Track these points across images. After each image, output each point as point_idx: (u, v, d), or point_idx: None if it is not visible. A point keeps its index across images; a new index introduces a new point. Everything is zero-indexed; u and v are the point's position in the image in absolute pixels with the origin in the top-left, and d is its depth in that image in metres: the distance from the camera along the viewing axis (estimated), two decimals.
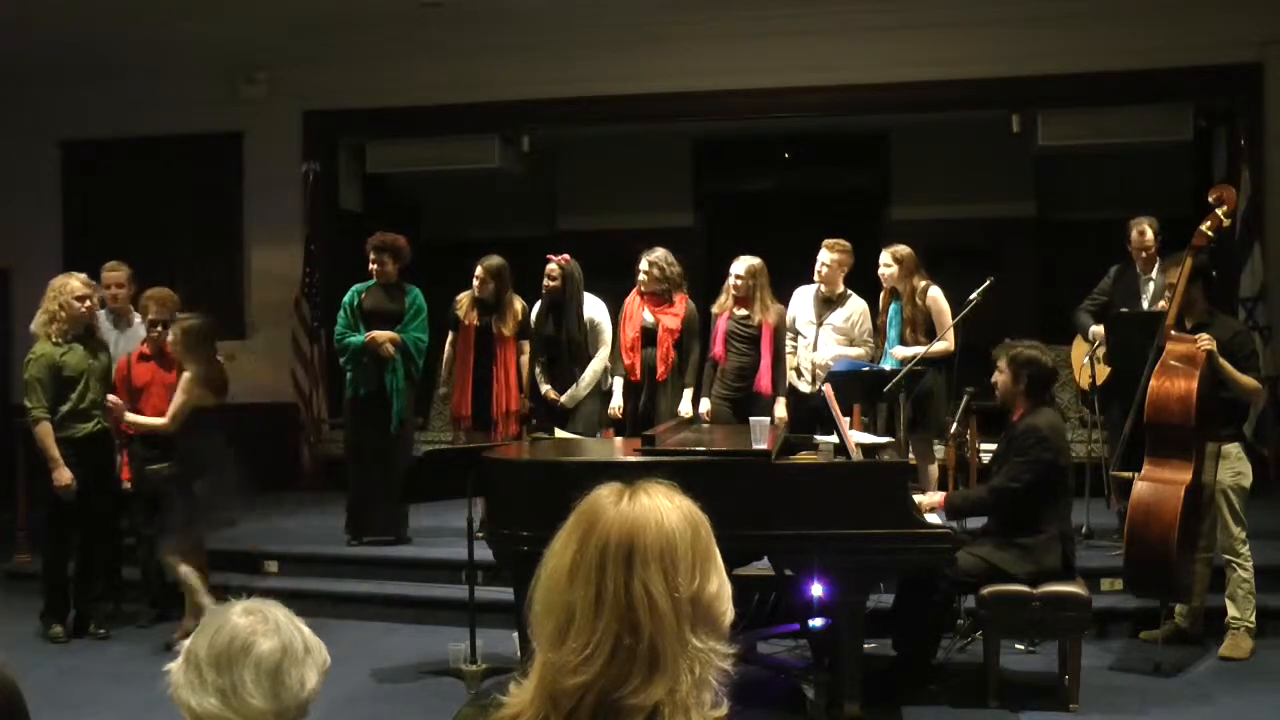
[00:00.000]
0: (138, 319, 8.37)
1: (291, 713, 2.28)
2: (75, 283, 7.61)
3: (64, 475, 7.44)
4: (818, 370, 8.27)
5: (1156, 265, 8.00)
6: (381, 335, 8.49)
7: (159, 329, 7.86)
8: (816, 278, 8.40)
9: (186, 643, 2.31)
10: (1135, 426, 6.63)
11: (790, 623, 6.55)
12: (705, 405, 8.31)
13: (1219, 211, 6.78)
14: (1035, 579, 6.03)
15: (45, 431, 7.48)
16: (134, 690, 6.45)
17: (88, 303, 7.63)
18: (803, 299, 8.52)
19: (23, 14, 10.59)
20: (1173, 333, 6.56)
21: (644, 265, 8.36)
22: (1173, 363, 6.41)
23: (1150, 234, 8.02)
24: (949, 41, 10.75)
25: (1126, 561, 6.51)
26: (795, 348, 8.49)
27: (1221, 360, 6.46)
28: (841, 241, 8.42)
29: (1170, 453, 6.32)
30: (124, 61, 11.84)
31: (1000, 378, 6.33)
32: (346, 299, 8.67)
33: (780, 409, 8.26)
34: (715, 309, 8.43)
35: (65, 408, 7.54)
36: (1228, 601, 6.74)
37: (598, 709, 1.72)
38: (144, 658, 7.04)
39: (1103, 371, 8.05)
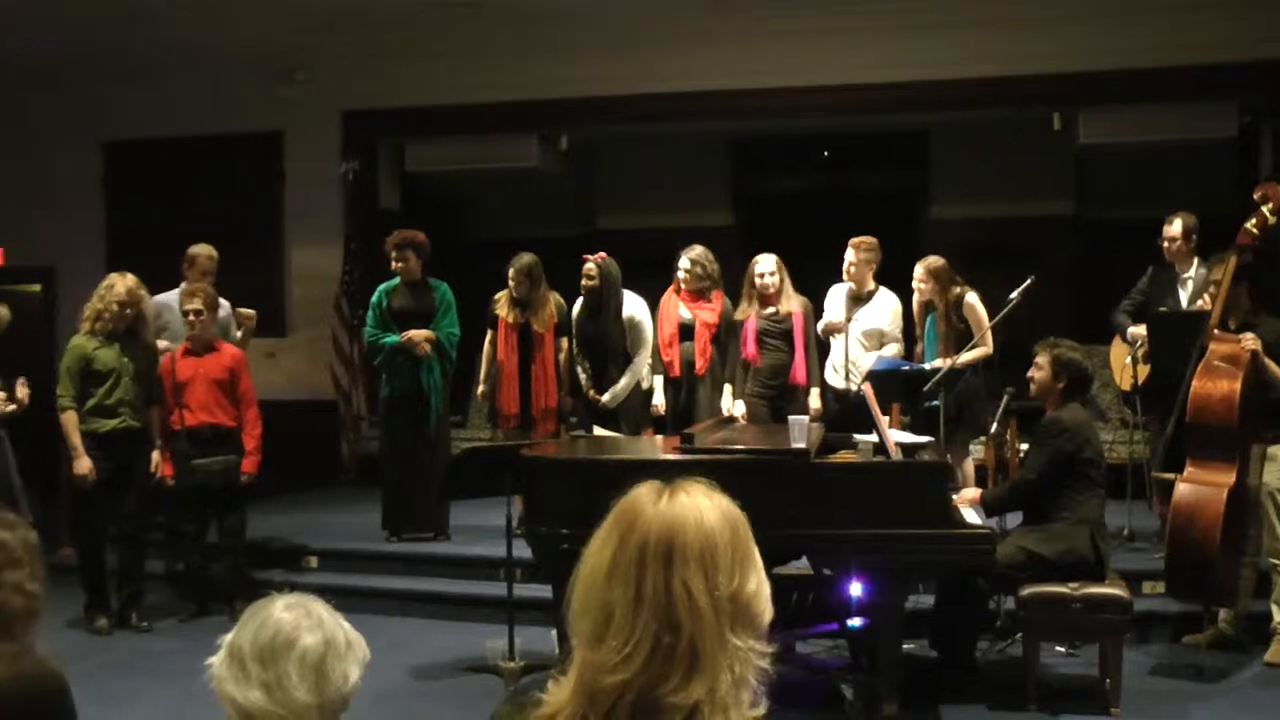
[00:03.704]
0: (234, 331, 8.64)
1: (334, 706, 2.30)
2: (122, 287, 7.71)
3: (84, 464, 7.58)
4: (852, 368, 8.26)
5: (1195, 263, 7.92)
6: (418, 335, 8.52)
7: (197, 321, 7.94)
8: (845, 276, 8.40)
9: (229, 637, 2.33)
10: (1177, 427, 6.57)
11: (828, 622, 6.54)
12: (741, 406, 8.31)
13: (1265, 209, 6.69)
14: (1065, 559, 5.97)
15: (70, 420, 7.62)
16: (175, 683, 6.49)
17: (129, 309, 7.72)
18: (835, 297, 8.50)
19: (65, 17, 10.69)
20: (1216, 332, 6.50)
21: (684, 264, 8.37)
22: (1216, 363, 6.35)
23: (1178, 227, 7.90)
24: (989, 39, 10.70)
25: (1168, 564, 6.44)
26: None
27: (1267, 360, 6.40)
28: (866, 239, 8.39)
29: (1213, 454, 6.26)
30: (165, 63, 11.93)
31: (1039, 374, 6.30)
32: (374, 300, 8.71)
33: (815, 399, 8.27)
34: (739, 315, 8.43)
35: (91, 402, 7.66)
36: (1273, 606, 6.65)
37: (636, 707, 1.72)
38: (185, 651, 7.09)
39: (1144, 372, 7.98)
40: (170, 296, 8.52)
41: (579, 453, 6.71)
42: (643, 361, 8.40)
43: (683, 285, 8.42)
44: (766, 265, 8.32)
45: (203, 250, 8.67)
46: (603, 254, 8.41)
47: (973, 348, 7.81)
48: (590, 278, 8.30)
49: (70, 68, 12.09)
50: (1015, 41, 10.67)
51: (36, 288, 12.78)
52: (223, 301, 8.55)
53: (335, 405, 11.58)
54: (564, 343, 8.53)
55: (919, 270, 8.13)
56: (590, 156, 13.80)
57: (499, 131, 11.93)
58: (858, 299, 8.39)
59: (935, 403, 7.41)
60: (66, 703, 2.52)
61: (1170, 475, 6.76)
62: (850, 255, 8.33)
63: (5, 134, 12.68)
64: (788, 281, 8.37)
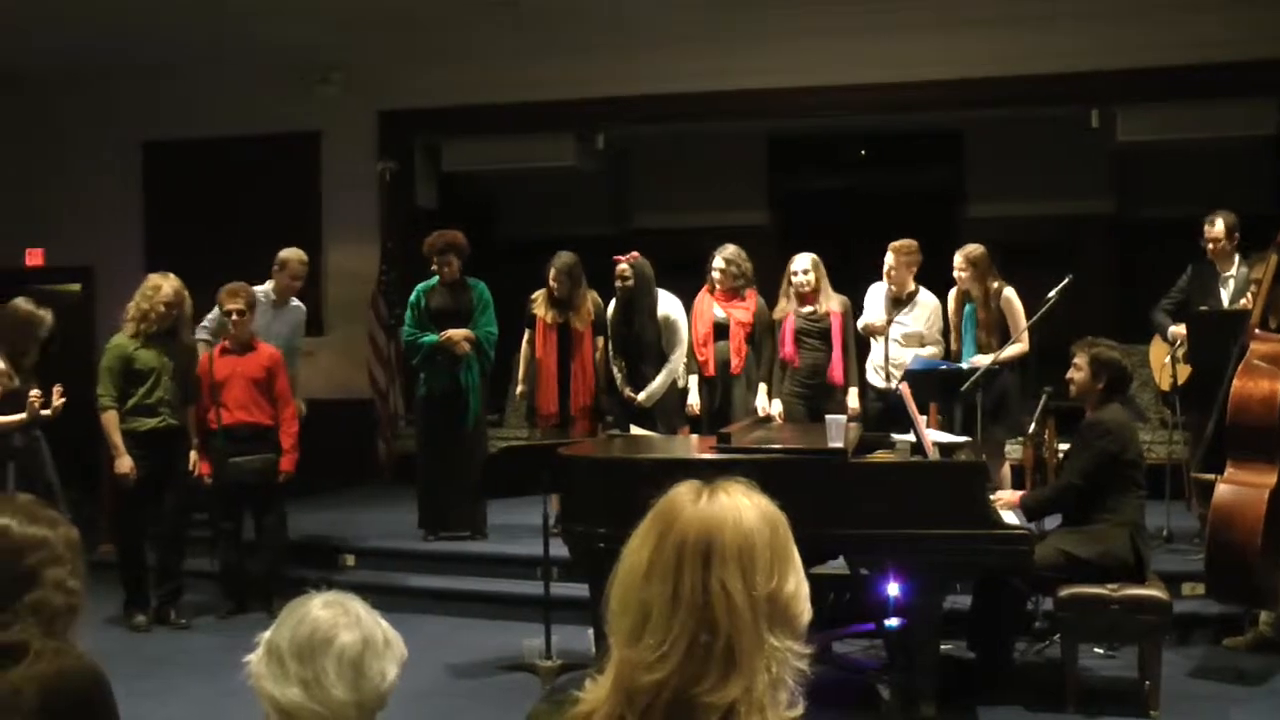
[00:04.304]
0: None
1: (372, 704, 2.31)
2: (169, 289, 7.81)
3: (124, 463, 7.68)
4: (892, 368, 8.23)
5: (1237, 261, 7.87)
6: (457, 334, 8.54)
7: (239, 321, 8.00)
8: (885, 279, 8.38)
9: (267, 634, 2.34)
10: (1217, 428, 6.52)
11: (866, 622, 6.52)
12: (777, 405, 8.31)
13: None
14: (1105, 561, 5.93)
15: (110, 420, 7.71)
16: (213, 680, 6.53)
17: (175, 310, 7.81)
18: (875, 296, 8.48)
19: (104, 18, 10.77)
20: (1257, 331, 6.45)
21: (719, 263, 8.37)
22: (1256, 362, 6.30)
23: (1220, 226, 7.86)
24: (1026, 36, 10.64)
25: (1208, 566, 6.39)
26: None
27: None
28: (906, 242, 8.37)
29: (1253, 455, 6.20)
30: (203, 64, 12.01)
31: (1078, 374, 6.25)
32: (412, 299, 8.73)
33: (853, 399, 8.25)
34: (776, 314, 8.42)
35: (131, 401, 7.76)
36: None
37: (673, 706, 1.72)
38: (223, 648, 7.12)
39: (1183, 371, 7.92)
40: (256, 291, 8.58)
41: (615, 452, 6.72)
42: (678, 360, 8.40)
43: (717, 285, 8.41)
44: (802, 264, 8.31)
45: (294, 254, 8.79)
46: (635, 254, 8.40)
47: (1010, 345, 7.78)
48: (624, 278, 8.30)
49: (109, 69, 12.18)
50: (1052, 39, 10.61)
51: (75, 287, 12.90)
52: (296, 302, 8.79)
53: (372, 404, 11.62)
54: (599, 341, 8.54)
55: (959, 259, 8.12)
56: (627, 155, 13.80)
57: (536, 131, 11.94)
58: (898, 301, 8.38)
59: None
60: (107, 698, 2.53)
61: (1210, 476, 6.70)
62: (890, 259, 8.32)
63: (45, 134, 12.79)
64: (825, 281, 8.35)
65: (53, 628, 2.48)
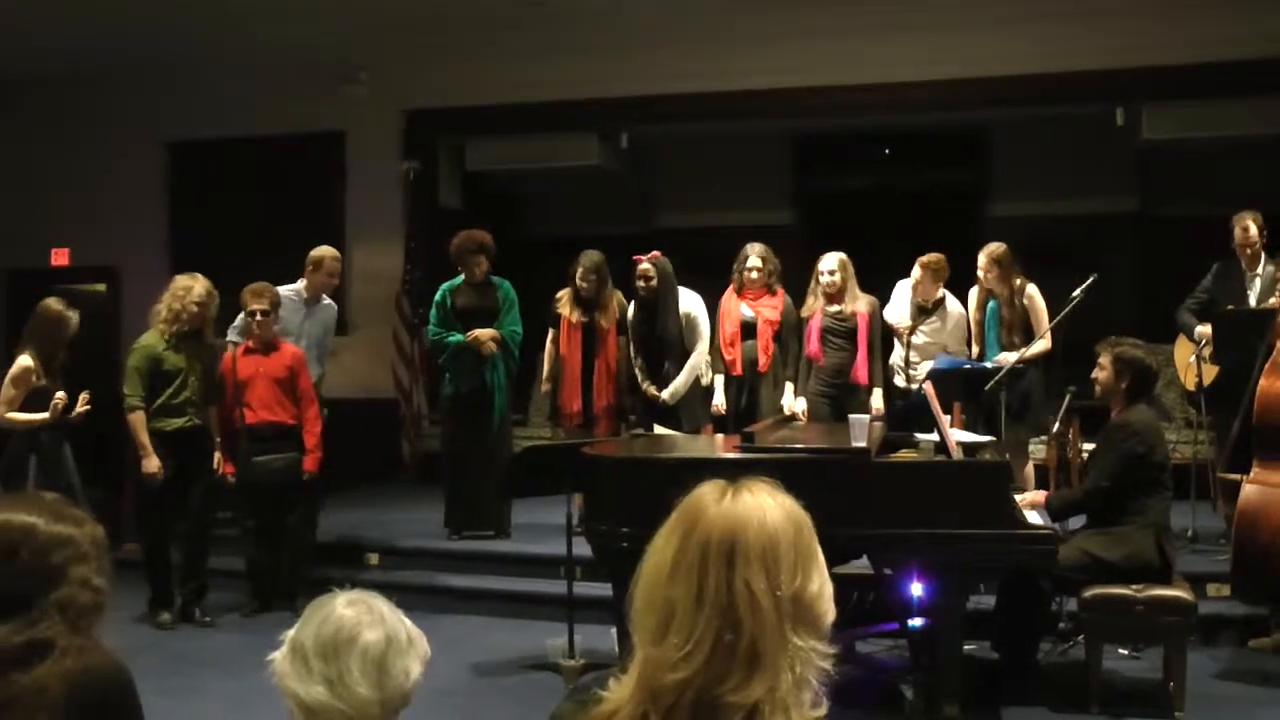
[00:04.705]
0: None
1: (395, 702, 2.32)
2: (200, 289, 7.86)
3: (152, 463, 7.71)
4: (912, 372, 8.24)
5: (1263, 261, 7.83)
6: (484, 334, 8.55)
7: (263, 321, 8.02)
8: (912, 293, 8.39)
9: (291, 632, 2.35)
10: (1243, 428, 6.48)
11: (889, 622, 6.51)
12: (802, 404, 8.31)
13: None
14: (1130, 564, 5.90)
15: (138, 420, 7.74)
16: (237, 678, 6.56)
17: (205, 311, 7.87)
18: (901, 299, 8.48)
19: (130, 19, 10.82)
20: None
21: (754, 261, 8.38)
22: None
23: (1254, 229, 7.85)
24: (1051, 34, 10.60)
25: (1234, 566, 6.37)
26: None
27: None
28: (934, 257, 8.36)
29: None
30: (228, 64, 12.07)
31: (1102, 374, 6.22)
32: (438, 298, 8.74)
33: (877, 399, 8.25)
34: (804, 312, 8.42)
35: (159, 401, 7.78)
36: None
37: (697, 706, 1.72)
38: (247, 646, 7.15)
39: (1210, 372, 7.88)
40: (283, 291, 8.60)
41: (639, 451, 6.71)
42: (700, 356, 8.39)
43: (753, 282, 8.40)
44: (829, 264, 8.32)
45: (329, 252, 8.78)
46: (656, 253, 8.40)
47: (1033, 344, 7.77)
48: (648, 278, 8.28)
49: (134, 69, 12.25)
50: (1077, 36, 10.57)
51: (101, 287, 12.97)
52: (327, 300, 8.82)
53: (396, 404, 11.64)
54: (622, 341, 8.53)
55: (983, 259, 8.13)
56: (650, 155, 13.79)
57: (560, 130, 11.96)
58: (924, 309, 8.39)
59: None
60: (132, 695, 2.54)
61: (1236, 476, 6.68)
62: (916, 273, 8.34)
63: (70, 135, 12.86)
64: (853, 281, 8.35)
65: (78, 625, 2.49)
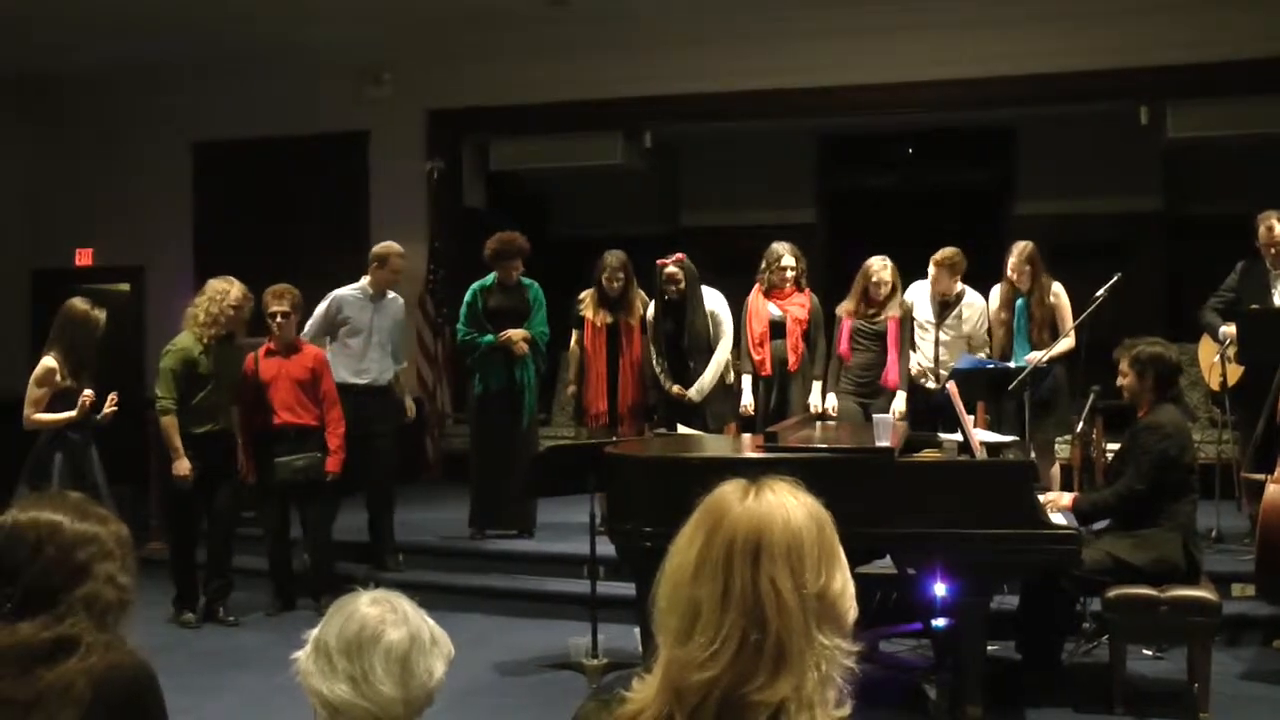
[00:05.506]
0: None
1: (419, 701, 2.32)
2: (237, 292, 7.88)
3: (183, 466, 7.74)
4: (940, 369, 8.21)
5: None
6: (516, 334, 8.57)
7: (284, 322, 8.05)
8: (932, 289, 8.37)
9: (315, 631, 2.36)
10: (1268, 427, 6.45)
11: (912, 622, 6.49)
12: (832, 401, 8.31)
13: None
14: (1157, 568, 5.87)
15: (170, 423, 7.76)
16: (261, 676, 6.59)
17: (240, 314, 7.92)
18: (920, 298, 8.45)
19: (155, 20, 10.87)
20: None
21: (789, 260, 8.35)
22: None
23: (1279, 228, 7.81)
24: (1076, 32, 10.58)
25: (1259, 566, 6.33)
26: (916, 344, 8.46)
27: None
28: (947, 253, 8.31)
29: None
30: (253, 64, 12.10)
31: (1125, 380, 6.17)
32: (468, 298, 8.74)
33: (900, 401, 8.22)
34: (841, 311, 8.40)
35: (191, 403, 7.79)
36: None
37: (723, 705, 1.72)
38: (271, 645, 7.18)
39: (1234, 371, 7.84)
40: (348, 291, 8.65)
41: (662, 451, 6.71)
42: (724, 353, 8.38)
43: (784, 281, 8.38)
44: (882, 274, 8.27)
45: (393, 248, 8.79)
46: (680, 255, 8.39)
47: (1057, 342, 7.75)
48: (676, 282, 8.25)
49: (160, 69, 12.30)
50: (1101, 35, 10.55)
51: (125, 287, 13.02)
52: (393, 294, 8.81)
53: (420, 403, 11.65)
54: (644, 340, 8.53)
55: (1014, 259, 8.11)
56: (675, 154, 13.79)
57: (583, 129, 11.97)
58: (945, 304, 8.36)
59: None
60: (156, 692, 2.56)
61: (1260, 476, 6.65)
62: (932, 272, 8.31)
63: (96, 135, 12.93)
64: (900, 290, 8.34)
65: (104, 622, 2.51)
